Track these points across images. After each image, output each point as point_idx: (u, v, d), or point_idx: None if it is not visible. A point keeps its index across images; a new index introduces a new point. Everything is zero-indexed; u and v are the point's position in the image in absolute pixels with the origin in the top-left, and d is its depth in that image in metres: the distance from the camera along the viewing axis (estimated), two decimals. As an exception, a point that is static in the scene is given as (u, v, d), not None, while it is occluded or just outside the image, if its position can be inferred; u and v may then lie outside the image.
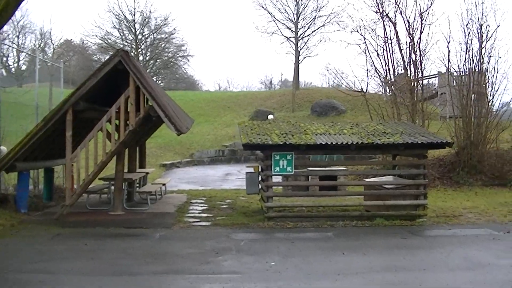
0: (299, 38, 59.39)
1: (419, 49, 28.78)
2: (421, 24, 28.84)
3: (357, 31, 31.04)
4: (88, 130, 18.02)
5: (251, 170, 19.58)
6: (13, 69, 69.23)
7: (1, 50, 46.26)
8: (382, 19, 29.99)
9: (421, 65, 28.91)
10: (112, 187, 19.09)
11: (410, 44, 28.96)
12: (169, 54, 70.16)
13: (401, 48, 29.19)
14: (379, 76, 31.15)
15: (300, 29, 59.49)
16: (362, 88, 31.30)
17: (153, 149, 40.11)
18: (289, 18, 60.10)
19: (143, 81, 16.85)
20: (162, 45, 67.35)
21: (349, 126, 19.01)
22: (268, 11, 60.14)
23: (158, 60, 68.34)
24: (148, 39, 64.13)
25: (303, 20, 59.93)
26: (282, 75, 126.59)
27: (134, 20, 59.25)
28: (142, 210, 18.98)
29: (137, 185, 22.56)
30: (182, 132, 16.97)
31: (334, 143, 16.46)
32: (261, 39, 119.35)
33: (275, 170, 16.61)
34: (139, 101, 17.28)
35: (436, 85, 41.88)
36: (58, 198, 20.76)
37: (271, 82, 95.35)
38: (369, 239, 14.68)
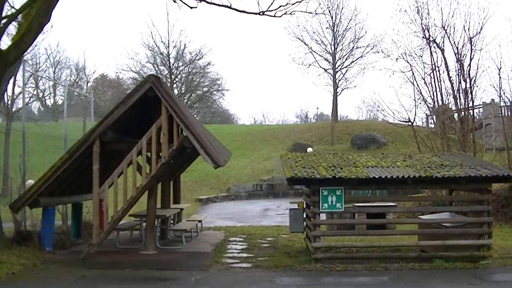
0: (337, 70, 57.90)
1: (469, 76, 27.00)
2: (471, 49, 27.15)
3: (403, 58, 29.29)
4: (117, 163, 16.60)
5: (295, 206, 17.93)
6: (49, 104, 69.15)
7: (26, 77, 45.50)
8: (429, 45, 28.38)
9: (471, 93, 27.11)
10: (144, 224, 17.55)
11: (459, 71, 27.23)
12: (204, 88, 69.14)
13: (450, 75, 27.46)
14: (427, 105, 29.32)
15: (338, 60, 58.04)
16: (409, 118, 29.52)
17: (189, 184, 39.14)
18: (326, 50, 58.72)
19: (176, 109, 15.46)
20: (197, 79, 66.32)
21: (402, 158, 17.34)
22: (304, 42, 58.91)
23: (193, 94, 67.32)
24: (183, 73, 63.17)
25: (341, 51, 58.50)
26: (318, 108, 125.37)
27: (168, 53, 58.29)
28: (176, 249, 17.48)
29: (171, 221, 21.13)
30: (220, 165, 15.52)
31: (389, 177, 14.77)
32: (297, 72, 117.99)
33: (323, 207, 14.95)
34: (172, 131, 15.89)
35: (481, 115, 40.07)
36: (87, 235, 19.43)
37: (306, 116, 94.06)
38: (431, 285, 12.91)
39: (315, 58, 58.95)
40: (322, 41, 58.58)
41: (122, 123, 16.46)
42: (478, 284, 12.96)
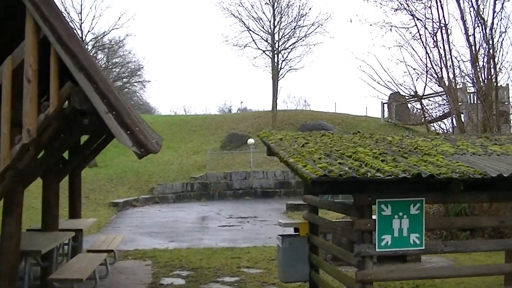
0: (279, 51, 50.07)
1: (492, 37, 19.31)
2: (495, 1, 19.42)
3: (405, 9, 20.83)
4: None
5: (288, 228, 9.76)
6: None
7: None
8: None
9: (493, 61, 19.33)
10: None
11: (477, 27, 19.49)
12: (124, 79, 61.06)
13: (468, 33, 19.50)
14: (436, 74, 20.97)
15: (280, 39, 50.30)
16: (416, 91, 21.38)
17: (102, 182, 31.46)
18: (265, 29, 50.76)
19: (57, 24, 7.00)
20: (116, 69, 57.90)
21: (485, 141, 9.48)
22: (240, 19, 50.63)
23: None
24: (101, 60, 54.21)
25: (282, 30, 50.72)
26: (242, 102, 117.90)
27: (80, 21, 48.60)
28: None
29: (66, 246, 12.57)
30: (151, 151, 7.12)
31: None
32: (224, 61, 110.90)
33: (383, 244, 6.75)
34: (48, 75, 7.34)
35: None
36: None
37: (230, 110, 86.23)
38: None
39: (252, 37, 50.94)
40: (260, 18, 50.50)
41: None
42: None
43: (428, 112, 22.80)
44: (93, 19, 49.54)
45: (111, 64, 57.16)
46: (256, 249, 15.98)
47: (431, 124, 24.15)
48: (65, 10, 46.13)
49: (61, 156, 11.82)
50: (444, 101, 22.03)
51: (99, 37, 50.33)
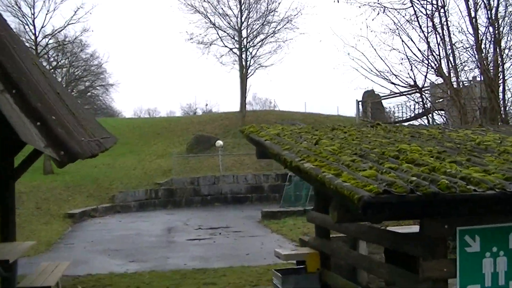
0: (247, 48, 47.67)
1: (497, 18, 17.02)
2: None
3: None
4: None
5: (289, 260, 7.05)
6: None
7: None
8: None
9: (499, 46, 17.02)
10: None
11: (483, 7, 17.25)
12: (87, 83, 58.11)
13: (471, 15, 17.09)
14: (435, 62, 18.39)
15: (248, 36, 47.91)
16: (415, 81, 18.72)
17: (58, 191, 28.61)
18: (231, 25, 48.23)
19: None
20: (79, 72, 54.68)
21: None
22: (206, 15, 47.94)
23: (74, 90, 55.19)
24: (61, 61, 50.87)
25: (250, 26, 48.28)
26: (207, 105, 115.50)
27: (33, 15, 45.02)
28: None
29: None
30: (77, 154, 4.43)
31: None
32: (188, 60, 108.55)
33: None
34: None
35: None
36: None
37: (195, 113, 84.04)
38: None
39: (218, 34, 48.36)
40: (226, 14, 47.97)
41: None
42: None
43: (430, 105, 20.46)
44: (47, 14, 45.75)
45: (73, 67, 53.89)
46: (233, 270, 13.59)
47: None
48: (16, 4, 42.58)
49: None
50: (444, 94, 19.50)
51: (54, 33, 46.68)
